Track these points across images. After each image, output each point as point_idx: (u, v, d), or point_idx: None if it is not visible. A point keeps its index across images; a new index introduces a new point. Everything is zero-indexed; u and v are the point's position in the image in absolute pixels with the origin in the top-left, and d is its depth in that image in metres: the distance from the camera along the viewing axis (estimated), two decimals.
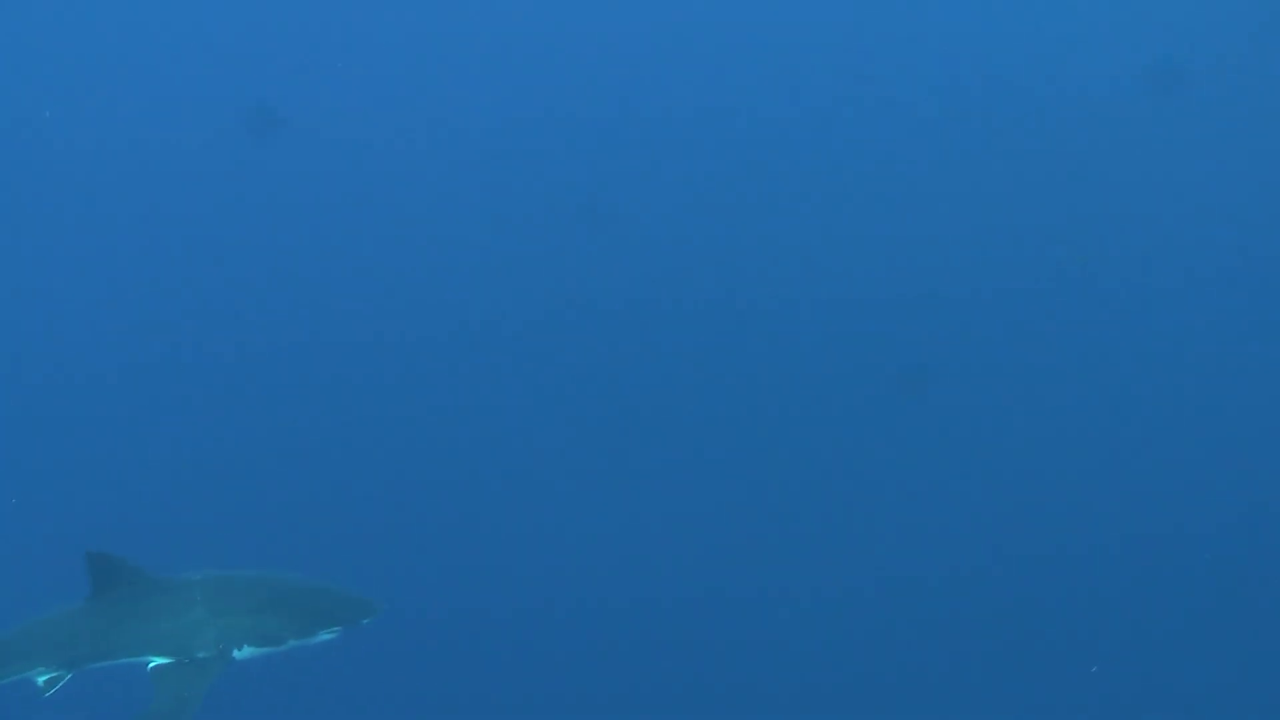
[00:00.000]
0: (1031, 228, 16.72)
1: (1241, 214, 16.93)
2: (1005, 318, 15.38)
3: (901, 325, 15.21)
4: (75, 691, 8.12)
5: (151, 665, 8.04)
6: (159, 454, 13.77)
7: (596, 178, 17.96)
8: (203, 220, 17.27)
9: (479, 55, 19.86)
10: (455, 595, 11.31)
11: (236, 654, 8.11)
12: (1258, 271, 15.92)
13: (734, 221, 17.33)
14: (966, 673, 11.07)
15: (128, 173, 17.87)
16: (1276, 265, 16.16)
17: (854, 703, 10.77)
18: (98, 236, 17.04)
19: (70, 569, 8.11)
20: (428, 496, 12.80)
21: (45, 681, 8.03)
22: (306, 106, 18.39)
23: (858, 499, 12.78)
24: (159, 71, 19.22)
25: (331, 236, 17.14)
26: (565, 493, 10.23)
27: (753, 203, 17.65)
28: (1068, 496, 12.94)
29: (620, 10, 20.61)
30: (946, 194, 17.26)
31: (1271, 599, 11.68)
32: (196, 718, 7.73)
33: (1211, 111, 18.16)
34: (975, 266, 16.10)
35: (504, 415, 14.03)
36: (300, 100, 18.40)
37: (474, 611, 11.31)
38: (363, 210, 17.58)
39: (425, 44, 19.88)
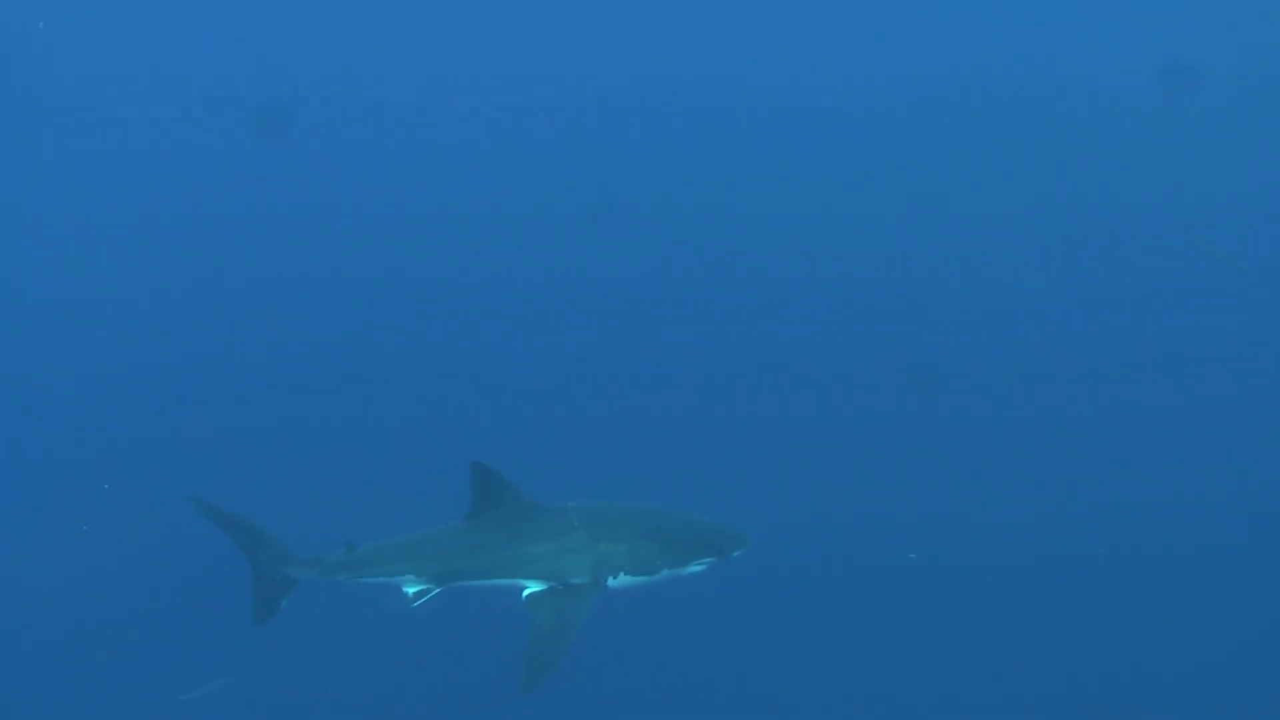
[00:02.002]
0: (1046, 226, 16.36)
1: (1257, 214, 16.47)
2: (1018, 318, 15.14)
3: (912, 325, 15.01)
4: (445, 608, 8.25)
5: (526, 593, 7.95)
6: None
7: (605, 178, 17.80)
8: (218, 216, 17.54)
9: (488, 54, 19.88)
10: None
11: (611, 582, 7.91)
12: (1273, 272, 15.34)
13: (743, 221, 17.06)
14: (972, 671, 10.98)
15: (136, 170, 18.25)
16: None
17: (854, 703, 10.77)
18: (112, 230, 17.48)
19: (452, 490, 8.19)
20: None
21: (414, 593, 8.14)
22: (315, 105, 18.60)
23: (866, 499, 12.52)
24: (168, 69, 19.55)
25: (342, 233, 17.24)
26: (577, 489, 9.78)
27: (763, 202, 17.34)
28: (1078, 498, 12.72)
29: (625, 10, 20.58)
30: (960, 194, 17.04)
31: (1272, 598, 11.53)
32: (573, 646, 7.60)
33: (1228, 111, 17.88)
34: (988, 266, 15.89)
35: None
36: (309, 98, 18.63)
37: None
38: (372, 208, 17.61)
39: (432, 43, 19.94)
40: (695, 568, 7.98)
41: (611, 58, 19.75)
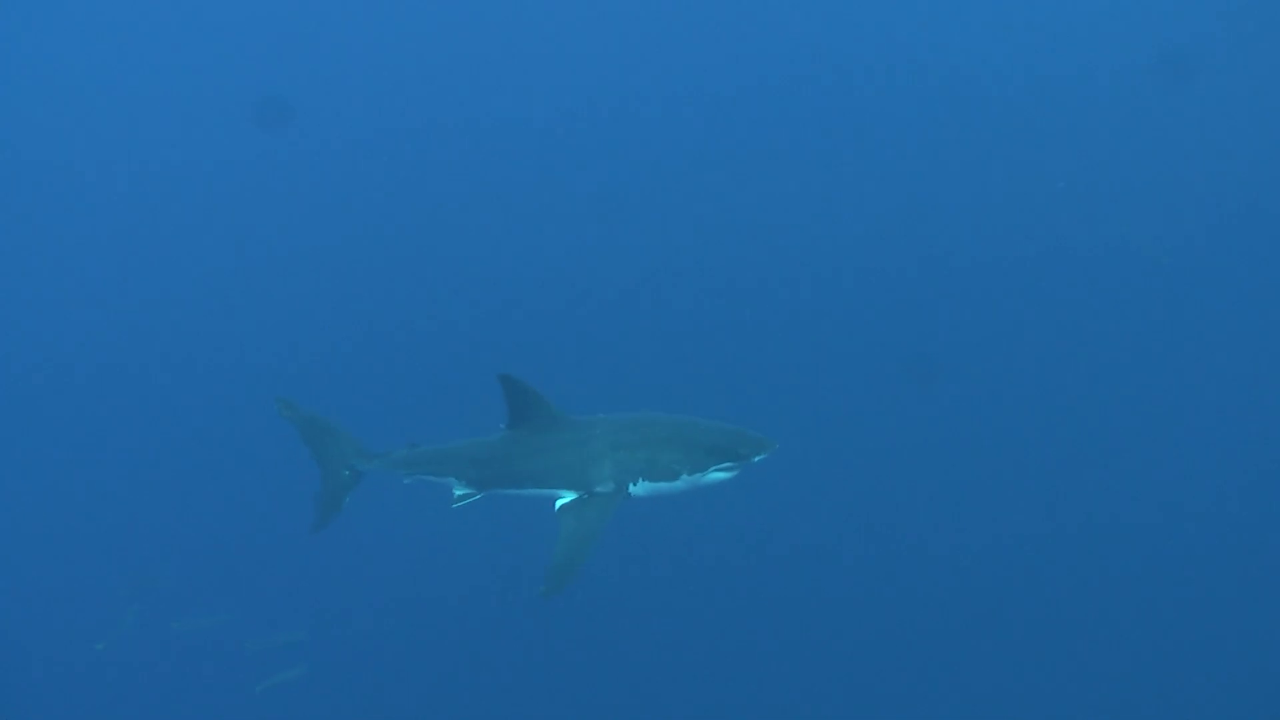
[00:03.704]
0: (1041, 216, 16.35)
1: (1250, 203, 16.24)
2: (1013, 309, 15.11)
3: (910, 318, 15.01)
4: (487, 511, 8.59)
5: (559, 504, 8.14)
6: None
7: (604, 174, 17.97)
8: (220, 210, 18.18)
9: (489, 52, 20.33)
10: None
11: (633, 489, 7.99)
12: (1266, 262, 15.30)
13: (742, 216, 17.09)
14: (971, 668, 11.13)
15: (138, 165, 18.94)
16: None
17: (855, 702, 10.95)
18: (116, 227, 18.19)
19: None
20: None
21: (459, 495, 8.53)
22: (317, 100, 19.08)
23: (863, 492, 12.62)
24: (169, 64, 20.30)
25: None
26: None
27: (761, 197, 17.33)
28: (1076, 490, 12.72)
29: (626, 11, 20.78)
30: (955, 186, 16.97)
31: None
32: (594, 553, 7.72)
33: (1221, 100, 17.71)
34: (982, 258, 15.87)
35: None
36: (311, 94, 19.09)
37: None
38: (373, 202, 18.00)
39: (435, 41, 20.41)
40: (717, 474, 7.95)
41: (611, 58, 20.23)
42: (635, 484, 7.96)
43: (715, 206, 17.42)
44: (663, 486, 7.97)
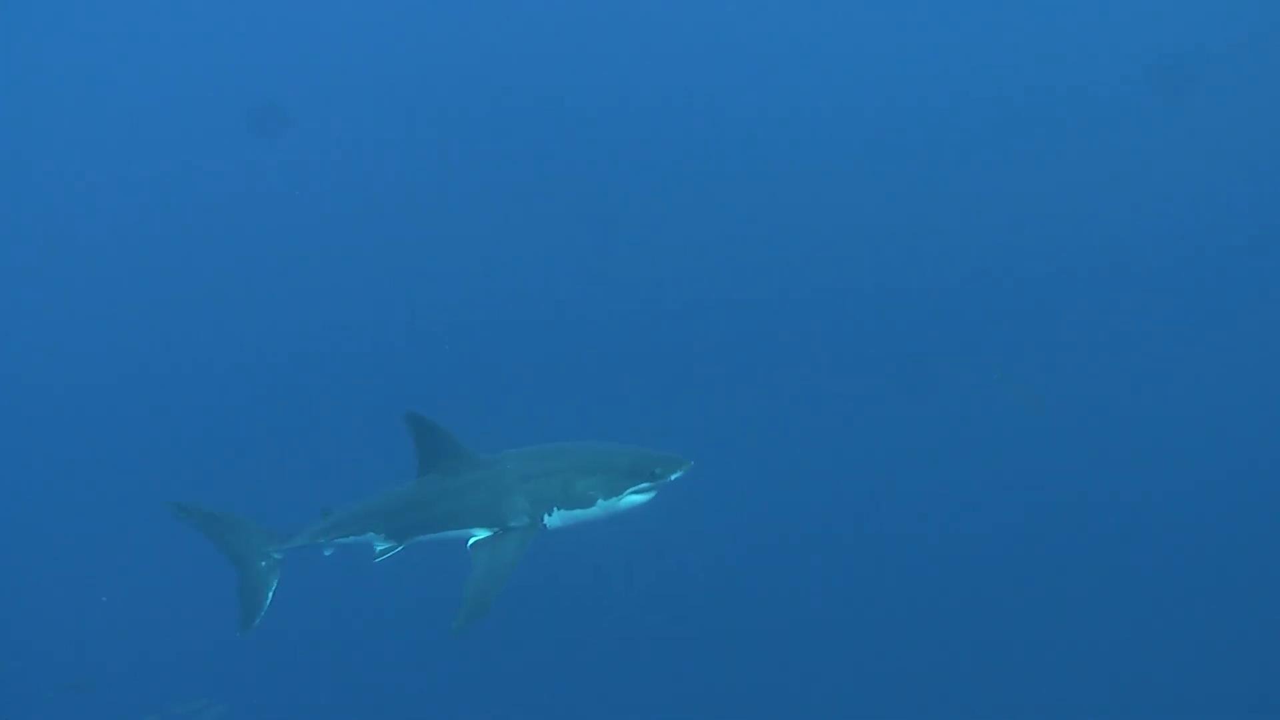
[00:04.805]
0: (1036, 225, 16.33)
1: (1247, 211, 16.33)
2: (1009, 316, 15.06)
3: (905, 324, 14.97)
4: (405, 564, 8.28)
5: (471, 541, 7.86)
6: None
7: (602, 179, 17.96)
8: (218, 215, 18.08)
9: (488, 55, 20.17)
10: None
11: (548, 520, 7.74)
12: (1262, 269, 15.35)
13: (738, 221, 17.14)
14: (968, 670, 11.12)
15: (136, 169, 18.82)
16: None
17: (855, 702, 10.94)
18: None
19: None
20: None
21: (380, 550, 8.19)
22: (315, 105, 18.99)
23: (860, 496, 12.66)
24: (167, 69, 20.20)
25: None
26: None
27: (757, 202, 17.38)
28: (1072, 495, 12.75)
29: (625, 11, 20.80)
30: (951, 192, 16.96)
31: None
32: (508, 588, 7.42)
33: (1217, 109, 17.79)
34: (979, 265, 15.82)
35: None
36: (309, 99, 19.01)
37: None
38: (371, 208, 17.97)
39: (431, 43, 20.30)
40: (633, 497, 7.71)
41: (608, 57, 20.13)
42: (550, 514, 7.70)
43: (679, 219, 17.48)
44: (579, 514, 7.71)
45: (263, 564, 8.63)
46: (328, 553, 8.54)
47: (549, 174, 18.36)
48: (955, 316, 14.96)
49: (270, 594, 8.66)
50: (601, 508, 7.68)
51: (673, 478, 7.68)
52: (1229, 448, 12.92)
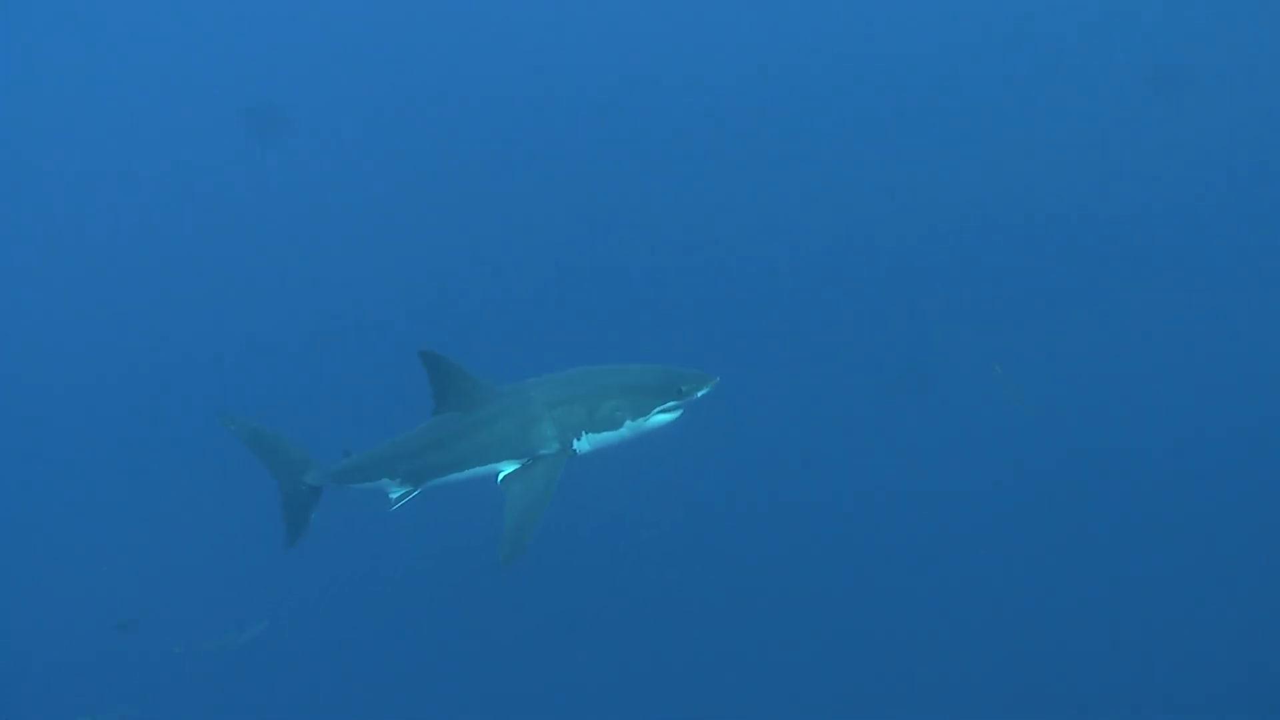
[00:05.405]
0: (1036, 228, 15.94)
1: (1247, 215, 15.92)
2: (1008, 318, 14.61)
3: (903, 325, 14.59)
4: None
5: (501, 476, 7.69)
6: None
7: (598, 176, 17.60)
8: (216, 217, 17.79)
9: (485, 53, 19.93)
10: None
11: (577, 445, 7.59)
12: (1263, 273, 14.96)
13: (734, 218, 16.72)
14: (966, 674, 11.09)
15: (131, 171, 18.47)
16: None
17: (854, 702, 10.93)
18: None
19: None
20: None
21: (396, 496, 8.04)
22: (310, 105, 18.66)
23: (856, 499, 12.55)
24: (162, 70, 19.83)
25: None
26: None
27: (753, 200, 16.99)
28: (1072, 496, 12.55)
29: (625, 11, 20.54)
30: (951, 195, 16.61)
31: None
32: (546, 518, 7.33)
33: (1218, 113, 17.33)
34: (978, 268, 15.49)
35: None
36: (304, 99, 18.68)
37: None
38: (366, 209, 17.69)
39: (428, 42, 20.02)
40: (661, 416, 7.59)
41: (607, 57, 19.62)
42: (579, 439, 7.56)
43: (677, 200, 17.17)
44: (608, 437, 7.58)
45: (301, 487, 8.59)
46: (349, 493, 8.43)
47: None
48: (951, 325, 14.64)
49: (310, 516, 8.64)
50: (630, 429, 7.55)
51: (699, 394, 7.55)
52: (1229, 448, 12.72)
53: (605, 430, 7.54)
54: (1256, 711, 10.51)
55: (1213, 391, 13.21)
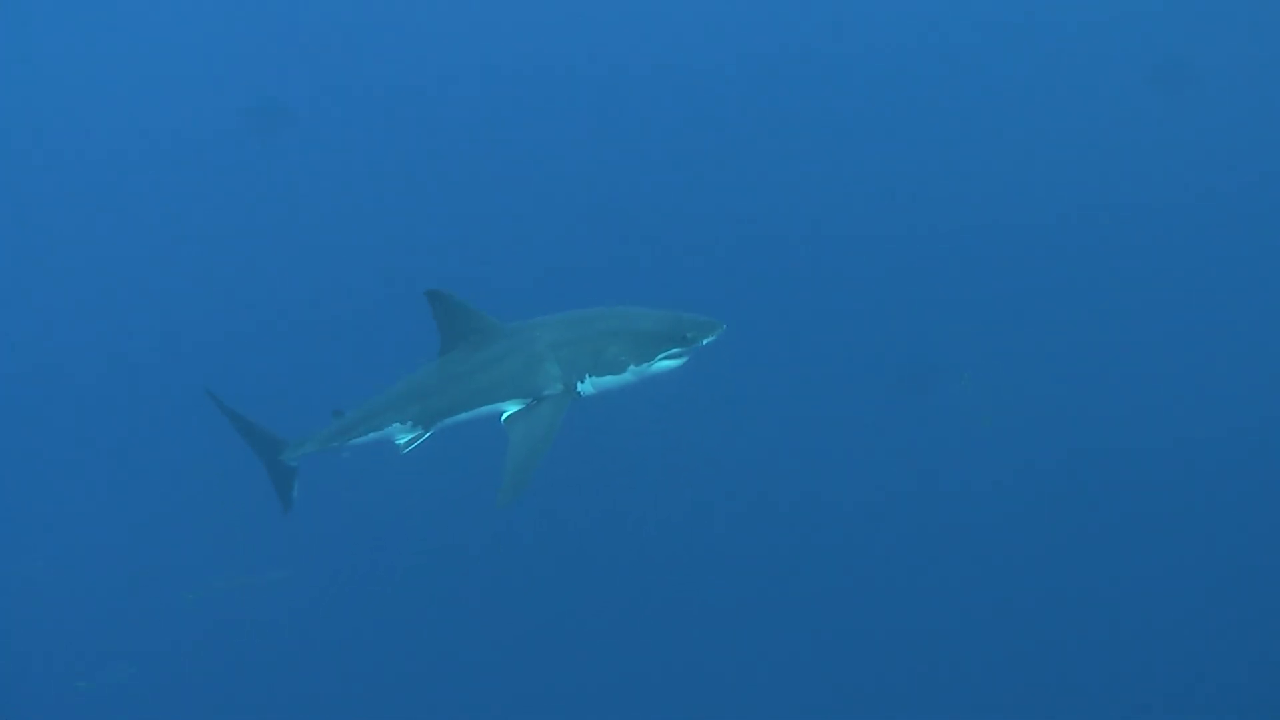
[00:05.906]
0: (1039, 226, 15.97)
1: (1248, 214, 16.01)
2: (1011, 317, 14.61)
3: (906, 325, 14.58)
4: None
5: (504, 416, 7.70)
6: None
7: (598, 176, 17.73)
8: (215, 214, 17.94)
9: (485, 51, 20.11)
10: None
11: (581, 387, 7.60)
12: (1265, 270, 15.02)
13: (734, 218, 16.81)
14: (967, 674, 11.11)
15: (134, 167, 18.75)
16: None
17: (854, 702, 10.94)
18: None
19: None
20: None
21: (406, 440, 8.01)
22: (314, 102, 18.90)
23: (856, 499, 12.52)
24: (166, 67, 20.12)
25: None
26: (564, 489, 10.11)
27: (753, 200, 17.05)
28: (1071, 496, 12.56)
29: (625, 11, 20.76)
30: (953, 193, 16.69)
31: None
32: (547, 458, 7.32)
33: (1220, 110, 17.47)
34: (980, 266, 15.50)
35: None
36: (308, 96, 18.94)
37: None
38: (369, 205, 17.80)
39: (428, 41, 20.31)
40: (665, 363, 7.58)
41: (607, 55, 19.92)
42: (583, 381, 7.57)
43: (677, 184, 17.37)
44: (611, 381, 7.58)
45: (281, 467, 8.70)
46: (345, 455, 8.44)
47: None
48: (955, 324, 14.63)
49: (293, 491, 8.75)
50: (634, 373, 7.55)
51: (705, 342, 7.55)
52: (1230, 448, 12.75)
53: (609, 374, 7.55)
54: (1256, 711, 10.45)
55: (1216, 390, 13.20)
